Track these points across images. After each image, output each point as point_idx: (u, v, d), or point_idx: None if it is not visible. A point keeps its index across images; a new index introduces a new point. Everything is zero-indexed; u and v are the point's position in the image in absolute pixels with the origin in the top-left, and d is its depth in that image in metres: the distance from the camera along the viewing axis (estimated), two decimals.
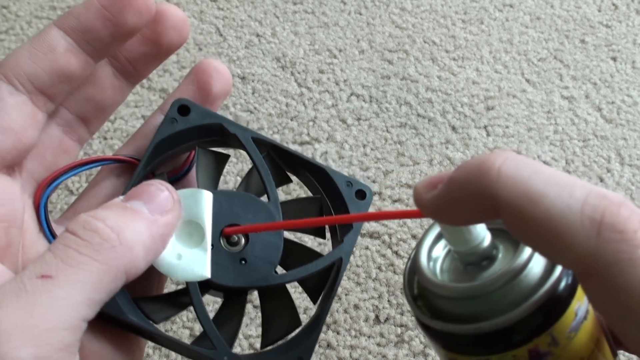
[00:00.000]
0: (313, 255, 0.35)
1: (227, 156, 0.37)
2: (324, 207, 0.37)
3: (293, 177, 0.39)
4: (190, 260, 0.32)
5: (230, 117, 0.72)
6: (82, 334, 0.27)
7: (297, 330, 0.34)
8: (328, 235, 0.38)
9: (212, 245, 0.33)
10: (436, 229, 0.29)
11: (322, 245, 0.60)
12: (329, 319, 0.60)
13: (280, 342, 0.34)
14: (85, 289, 0.27)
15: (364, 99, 0.75)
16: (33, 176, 0.33)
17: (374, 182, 0.69)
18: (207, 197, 0.33)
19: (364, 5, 0.83)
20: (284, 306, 0.35)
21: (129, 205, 0.30)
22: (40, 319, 0.25)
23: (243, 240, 0.34)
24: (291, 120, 0.73)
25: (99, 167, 0.36)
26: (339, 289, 0.61)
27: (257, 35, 0.80)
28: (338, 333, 0.59)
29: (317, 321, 0.34)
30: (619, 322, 0.22)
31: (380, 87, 0.76)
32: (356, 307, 0.61)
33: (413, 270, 0.28)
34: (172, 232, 0.31)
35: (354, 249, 0.64)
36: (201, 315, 0.32)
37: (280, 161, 0.37)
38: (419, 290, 0.28)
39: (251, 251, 0.33)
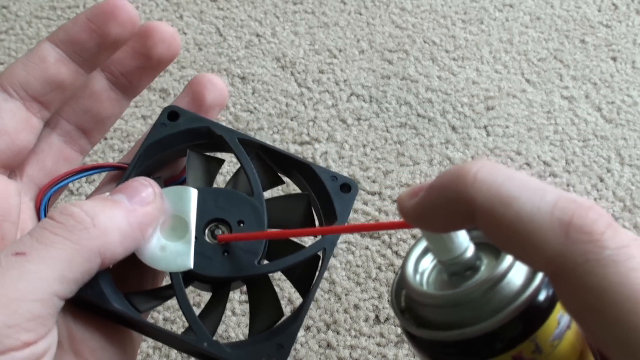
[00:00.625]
0: (297, 247, 0.36)
1: (222, 161, 0.38)
2: (312, 204, 0.37)
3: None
4: (173, 252, 0.33)
5: (230, 117, 0.72)
6: (57, 310, 0.28)
7: (281, 320, 0.35)
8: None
9: (196, 238, 0.34)
10: (423, 243, 0.29)
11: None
12: (329, 319, 0.60)
13: (263, 331, 0.34)
14: (57, 266, 0.28)
15: (364, 99, 0.75)
16: (34, 181, 0.35)
17: (374, 182, 0.69)
18: (192, 193, 0.34)
19: (364, 5, 0.83)
20: (268, 297, 0.36)
21: (110, 197, 0.32)
22: (10, 289, 0.27)
23: (228, 234, 0.35)
24: (291, 120, 0.73)
25: (104, 174, 0.38)
26: (339, 289, 0.62)
27: (257, 35, 0.80)
28: (338, 333, 0.60)
29: (300, 311, 0.34)
30: (588, 323, 0.22)
31: (380, 87, 0.76)
32: (356, 307, 0.61)
33: (400, 284, 0.29)
34: (153, 223, 0.32)
35: (355, 248, 0.64)
36: (183, 304, 0.33)
37: (269, 161, 0.38)
38: (406, 304, 0.28)
39: (234, 243, 0.34)
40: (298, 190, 0.39)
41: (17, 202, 0.34)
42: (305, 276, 0.36)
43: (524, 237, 0.22)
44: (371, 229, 0.32)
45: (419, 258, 0.29)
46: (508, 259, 0.26)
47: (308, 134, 0.72)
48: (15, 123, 0.33)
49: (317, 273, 0.36)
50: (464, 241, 0.27)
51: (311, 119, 0.73)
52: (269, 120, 0.72)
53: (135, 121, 0.71)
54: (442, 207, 0.24)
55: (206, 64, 0.77)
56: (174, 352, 0.57)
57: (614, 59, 0.80)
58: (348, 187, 0.37)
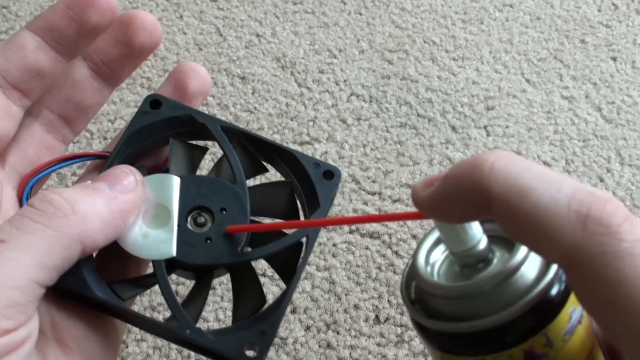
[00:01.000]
0: (280, 234, 0.36)
1: (205, 149, 0.38)
2: (295, 191, 0.37)
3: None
4: (156, 240, 0.33)
5: (230, 117, 0.72)
6: (38, 297, 0.28)
7: (265, 307, 0.35)
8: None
9: (179, 225, 0.34)
10: (434, 235, 0.29)
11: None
12: (329, 319, 0.60)
13: (246, 318, 0.34)
14: (36, 253, 0.28)
15: (364, 99, 0.75)
16: (16, 170, 0.35)
17: (374, 182, 0.69)
18: (174, 181, 0.35)
19: (364, 5, 0.83)
20: (250, 284, 0.36)
21: (91, 184, 0.32)
22: None
23: (210, 222, 0.35)
24: (291, 120, 0.73)
25: (88, 162, 0.37)
26: (339, 289, 0.62)
27: (257, 35, 0.80)
28: (338, 333, 0.60)
29: (283, 297, 0.34)
30: (603, 316, 0.22)
31: (380, 87, 0.76)
32: (356, 307, 0.61)
33: (411, 275, 0.29)
34: (134, 211, 0.32)
35: (355, 248, 0.64)
36: (165, 291, 0.33)
37: (252, 149, 0.38)
38: (416, 295, 0.28)
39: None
40: (282, 178, 0.39)
41: None
42: (289, 263, 0.36)
43: (540, 228, 0.22)
44: (383, 219, 0.32)
45: (430, 250, 0.29)
46: (521, 251, 0.26)
47: (308, 134, 0.72)
48: None
49: (300, 260, 0.36)
50: (477, 233, 0.27)
51: (311, 119, 0.73)
52: (269, 120, 0.72)
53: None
54: (458, 197, 0.24)
55: (206, 64, 0.77)
56: (173, 352, 0.57)
57: (614, 59, 0.80)
58: (331, 174, 0.37)
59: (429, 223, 0.65)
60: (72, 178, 0.66)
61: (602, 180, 0.70)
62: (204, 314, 0.59)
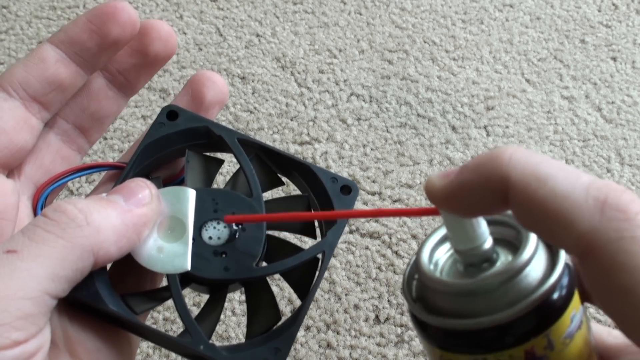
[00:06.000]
0: (296, 250, 0.36)
1: (221, 161, 0.37)
2: (312, 205, 0.37)
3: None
4: (170, 254, 0.33)
5: (230, 117, 0.72)
6: (49, 308, 0.28)
7: (279, 322, 0.35)
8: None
9: (194, 239, 0.33)
10: (438, 233, 0.29)
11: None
12: (329, 319, 0.60)
13: (260, 334, 0.34)
14: (49, 264, 0.28)
15: (364, 99, 0.75)
16: (32, 180, 0.35)
17: (373, 182, 0.69)
18: (190, 194, 0.34)
19: (364, 5, 0.83)
20: (265, 300, 0.35)
21: (106, 197, 0.31)
22: (0, 287, 0.26)
23: (226, 235, 0.34)
24: (291, 120, 0.73)
25: (103, 173, 0.37)
26: (339, 289, 0.62)
27: (257, 35, 0.80)
28: (338, 333, 0.59)
29: (298, 313, 0.34)
30: (617, 304, 0.22)
31: (380, 87, 0.76)
32: (356, 307, 0.61)
33: (413, 272, 0.29)
34: (149, 224, 0.32)
35: (355, 248, 0.64)
36: (179, 305, 0.32)
37: (269, 162, 0.37)
38: (418, 292, 0.28)
39: (232, 245, 0.34)
40: (298, 192, 0.38)
41: (15, 200, 0.34)
42: (304, 279, 0.35)
43: (557, 213, 0.23)
44: (395, 214, 0.31)
45: (434, 248, 0.29)
46: (527, 252, 0.26)
47: (308, 134, 0.72)
48: (14, 122, 0.33)
49: (316, 276, 0.35)
50: (485, 231, 0.27)
51: (311, 119, 0.73)
52: (269, 120, 0.72)
53: (135, 121, 0.71)
54: (476, 185, 0.24)
55: (206, 64, 0.77)
56: (173, 353, 0.57)
57: (614, 59, 0.80)
58: (348, 189, 0.36)
59: (430, 223, 0.65)
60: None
61: None
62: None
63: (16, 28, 0.78)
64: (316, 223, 0.38)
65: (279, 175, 0.38)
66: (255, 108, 0.73)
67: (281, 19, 0.81)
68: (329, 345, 0.59)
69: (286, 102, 0.74)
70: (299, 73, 0.76)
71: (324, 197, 0.36)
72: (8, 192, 0.33)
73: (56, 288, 0.28)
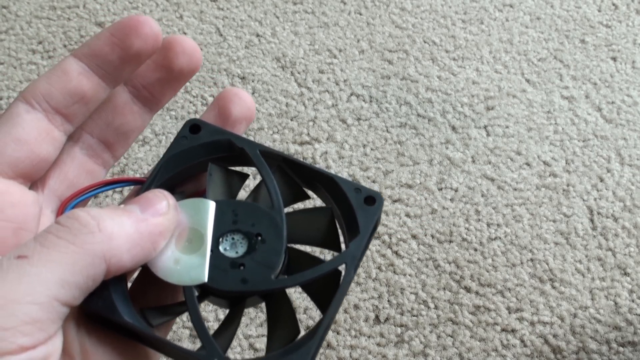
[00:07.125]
0: (316, 261, 0.35)
1: (245, 175, 0.37)
2: (335, 217, 0.36)
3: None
4: (187, 265, 0.32)
5: None
6: (59, 316, 0.28)
7: (300, 336, 0.34)
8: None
9: (212, 251, 0.33)
10: None
11: None
12: None
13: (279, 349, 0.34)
14: (58, 269, 0.28)
15: (364, 99, 0.75)
16: (56, 193, 0.35)
17: (373, 182, 0.69)
18: (209, 206, 0.34)
19: (364, 5, 0.83)
20: (285, 313, 0.35)
21: (122, 207, 0.31)
22: (8, 291, 0.27)
23: (245, 247, 0.34)
24: (291, 120, 0.73)
25: (131, 187, 0.38)
26: None
27: (257, 35, 0.80)
28: (338, 333, 0.59)
29: (317, 328, 0.33)
30: None
31: (380, 87, 0.76)
32: (356, 307, 0.61)
33: None
34: (165, 234, 0.32)
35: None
36: (195, 318, 0.32)
37: (292, 174, 0.37)
38: None
39: (251, 257, 0.33)
40: (323, 204, 0.38)
41: (35, 211, 0.33)
42: (325, 292, 0.35)
43: None
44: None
45: None
46: None
47: (308, 134, 0.72)
48: (37, 134, 0.33)
49: (339, 289, 0.35)
50: None
51: (311, 119, 0.73)
52: (269, 120, 0.72)
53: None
54: None
55: (206, 64, 0.77)
56: None
57: (614, 59, 0.80)
58: (372, 199, 0.36)
59: (429, 223, 0.65)
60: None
61: (602, 180, 0.70)
62: (204, 314, 0.59)
63: (16, 28, 0.78)
64: (341, 238, 0.37)
65: (305, 188, 0.38)
66: (255, 108, 0.73)
67: (281, 19, 0.81)
68: (329, 345, 0.59)
69: (286, 102, 0.74)
70: (299, 73, 0.77)
71: (346, 208, 0.36)
72: (29, 203, 0.33)
73: (66, 294, 0.28)
